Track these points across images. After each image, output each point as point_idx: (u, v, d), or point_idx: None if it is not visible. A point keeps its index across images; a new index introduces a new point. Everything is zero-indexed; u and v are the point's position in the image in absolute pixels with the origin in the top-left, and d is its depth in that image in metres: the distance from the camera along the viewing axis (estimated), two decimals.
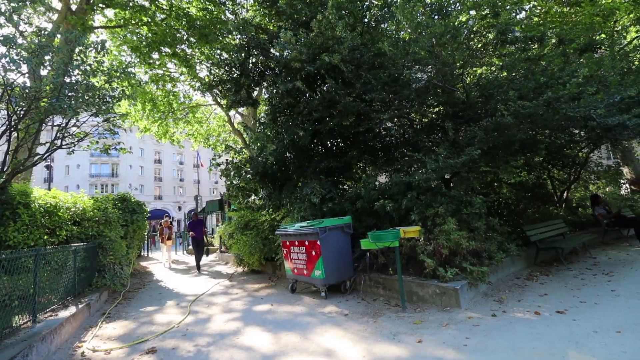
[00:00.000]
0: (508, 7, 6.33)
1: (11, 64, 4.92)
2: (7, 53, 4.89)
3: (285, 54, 7.08)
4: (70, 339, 4.18)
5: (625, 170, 11.86)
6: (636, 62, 7.44)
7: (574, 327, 3.33)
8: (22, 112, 5.41)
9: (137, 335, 4.25)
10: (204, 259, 12.85)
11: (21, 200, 5.34)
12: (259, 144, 7.82)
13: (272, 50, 7.80)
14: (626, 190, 12.88)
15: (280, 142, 7.36)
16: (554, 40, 6.97)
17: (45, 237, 5.36)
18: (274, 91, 7.90)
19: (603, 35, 8.60)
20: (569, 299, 4.20)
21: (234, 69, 8.28)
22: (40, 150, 6.29)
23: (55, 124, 6.25)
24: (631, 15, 9.65)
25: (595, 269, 5.64)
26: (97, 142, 7.23)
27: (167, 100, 15.91)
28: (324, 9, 6.52)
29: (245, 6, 12.48)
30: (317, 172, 7.17)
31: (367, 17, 7.63)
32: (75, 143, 6.29)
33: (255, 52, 8.01)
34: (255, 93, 9.35)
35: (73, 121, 6.06)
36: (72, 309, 4.62)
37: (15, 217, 5.18)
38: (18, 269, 3.86)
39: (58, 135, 6.00)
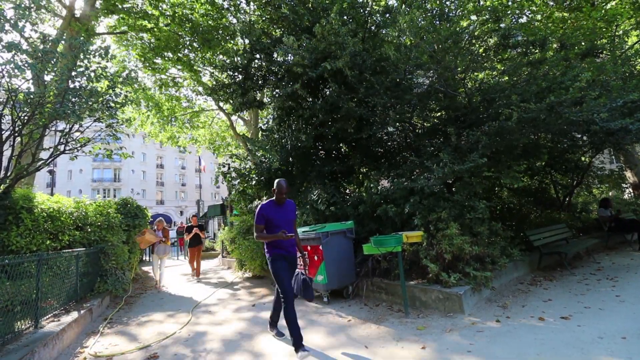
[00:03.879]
0: (509, 12, 6.36)
1: (16, 70, 4.96)
2: (12, 59, 4.93)
3: (288, 58, 7.11)
4: (72, 345, 4.17)
5: (628, 174, 11.81)
6: (638, 67, 7.45)
7: (578, 333, 3.30)
8: (26, 118, 5.44)
9: (139, 341, 4.23)
10: (205, 265, 11.99)
11: (24, 205, 5.36)
12: (262, 151, 7.83)
13: (274, 55, 7.85)
14: (629, 195, 12.82)
15: (284, 147, 7.37)
16: (555, 45, 6.98)
17: (48, 242, 5.37)
18: (277, 95, 7.93)
19: (604, 40, 8.62)
20: (574, 305, 4.17)
21: (237, 72, 8.33)
22: (44, 155, 6.32)
23: (58, 129, 6.28)
24: (632, 20, 9.68)
25: (599, 274, 5.60)
26: (100, 147, 7.26)
27: (171, 105, 16.04)
28: (327, 15, 6.57)
29: (248, 12, 12.59)
30: (320, 177, 7.17)
31: (369, 22, 7.67)
32: (79, 148, 6.32)
33: (259, 56, 8.06)
34: (258, 96, 9.36)
35: (76, 126, 6.09)
36: (74, 314, 4.62)
37: (18, 222, 5.19)
38: (21, 274, 3.87)
39: (61, 140, 6.03)
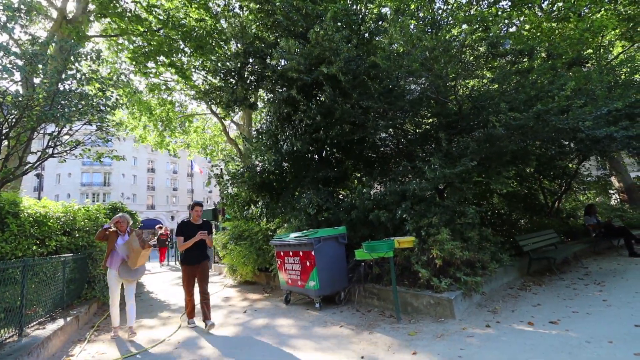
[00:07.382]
0: (499, 21, 6.50)
1: (4, 72, 4.89)
2: (0, 61, 4.87)
3: (282, 62, 7.13)
4: (57, 353, 4.06)
5: (614, 180, 12.09)
6: (622, 76, 7.65)
7: (567, 338, 3.34)
8: (13, 121, 5.36)
9: (127, 349, 4.15)
10: None
11: (10, 209, 5.23)
12: (256, 154, 7.81)
13: (268, 59, 7.87)
14: (616, 201, 13.11)
15: (278, 152, 7.37)
16: (543, 54, 7.15)
17: (34, 247, 5.24)
18: (271, 100, 7.94)
19: (590, 50, 8.86)
20: (562, 309, 4.22)
21: (229, 76, 8.32)
22: (31, 158, 6.21)
23: (47, 132, 6.19)
24: (617, 31, 9.98)
25: (587, 278, 5.69)
26: (90, 150, 7.16)
27: (164, 109, 15.95)
28: (320, 21, 6.62)
29: (242, 16, 12.61)
30: (314, 182, 7.18)
31: (362, 29, 7.76)
32: (67, 152, 6.23)
33: (252, 60, 8.07)
34: (252, 99, 9.36)
35: (65, 129, 6.01)
36: (60, 322, 4.51)
37: (4, 227, 5.06)
38: (5, 281, 3.78)
39: (50, 143, 5.94)
